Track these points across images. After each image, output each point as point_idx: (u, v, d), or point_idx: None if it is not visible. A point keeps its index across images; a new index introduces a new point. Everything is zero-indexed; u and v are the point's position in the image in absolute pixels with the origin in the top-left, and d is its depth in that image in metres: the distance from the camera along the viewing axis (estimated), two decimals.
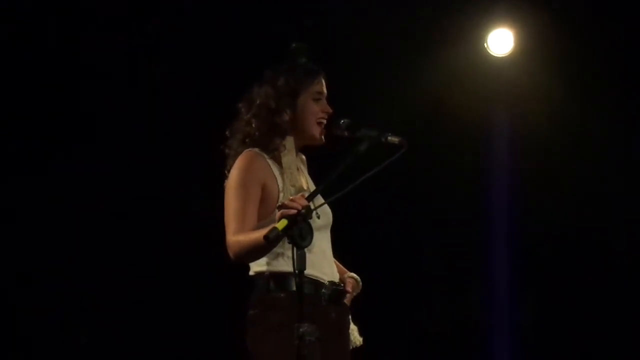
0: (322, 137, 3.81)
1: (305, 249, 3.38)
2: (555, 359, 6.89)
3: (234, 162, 3.75)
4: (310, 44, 3.85)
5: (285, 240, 3.43)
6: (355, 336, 3.86)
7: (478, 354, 7.00)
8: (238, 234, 3.61)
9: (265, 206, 3.68)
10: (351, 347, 3.85)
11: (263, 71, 3.85)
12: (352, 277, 3.86)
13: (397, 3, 6.45)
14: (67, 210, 6.44)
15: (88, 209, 6.44)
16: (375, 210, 6.74)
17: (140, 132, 6.48)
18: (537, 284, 7.00)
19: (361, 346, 3.88)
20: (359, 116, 3.76)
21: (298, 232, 3.35)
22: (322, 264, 3.72)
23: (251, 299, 3.73)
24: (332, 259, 3.81)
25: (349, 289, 3.80)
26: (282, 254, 3.65)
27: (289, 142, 3.78)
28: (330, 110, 3.82)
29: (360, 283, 3.88)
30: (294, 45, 3.84)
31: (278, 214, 3.41)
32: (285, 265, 3.64)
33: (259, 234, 3.46)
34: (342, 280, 3.79)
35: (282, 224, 3.35)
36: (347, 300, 3.80)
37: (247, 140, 3.77)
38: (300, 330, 3.35)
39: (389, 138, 3.62)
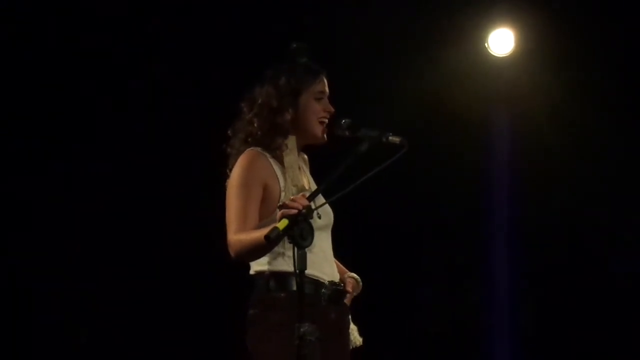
0: (324, 135, 3.81)
1: (306, 249, 3.38)
2: (555, 359, 6.89)
3: (236, 161, 3.75)
4: (310, 44, 3.85)
5: (286, 239, 3.43)
6: (355, 336, 3.86)
7: (478, 354, 7.00)
8: (239, 233, 3.61)
9: (267, 205, 3.68)
10: (351, 347, 3.85)
11: (263, 71, 3.85)
12: (353, 277, 3.86)
13: (397, 3, 6.45)
14: (67, 210, 6.44)
15: (88, 209, 6.44)
16: (375, 210, 6.74)
17: (140, 132, 6.48)
18: (537, 284, 7.00)
19: (361, 346, 3.87)
20: (359, 116, 3.75)
21: (299, 232, 3.35)
22: (323, 263, 3.72)
23: (251, 299, 3.73)
24: (333, 259, 3.81)
25: (349, 289, 3.80)
26: (283, 254, 3.65)
27: (291, 141, 3.78)
28: (332, 110, 3.82)
29: (361, 283, 3.87)
30: (294, 45, 3.84)
31: (279, 213, 3.41)
32: (285, 264, 3.64)
33: (260, 234, 3.46)
34: (342, 280, 3.79)
35: (283, 224, 3.35)
36: (347, 300, 3.80)
37: (249, 139, 3.77)
38: (301, 330, 3.35)
39: (390, 138, 3.62)
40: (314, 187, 3.79)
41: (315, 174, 3.91)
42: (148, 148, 6.47)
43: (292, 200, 3.42)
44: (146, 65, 6.42)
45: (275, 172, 3.73)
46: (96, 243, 6.48)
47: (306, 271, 3.41)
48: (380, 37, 6.45)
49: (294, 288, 3.58)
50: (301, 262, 3.38)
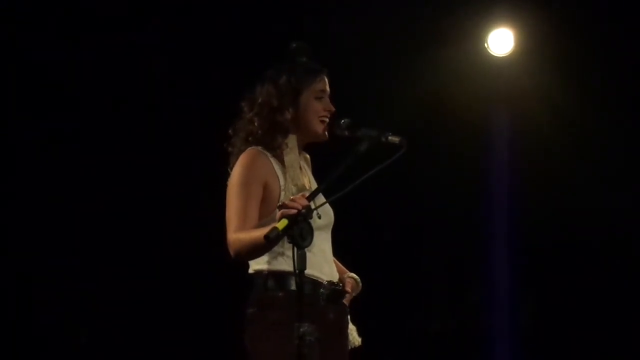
0: (326, 133, 3.81)
1: (306, 249, 3.38)
2: (555, 359, 6.89)
3: (236, 160, 3.76)
4: (310, 44, 3.85)
5: (286, 239, 3.43)
6: (354, 336, 3.86)
7: (478, 354, 7.00)
8: (239, 232, 3.61)
9: (267, 204, 3.68)
10: (350, 348, 3.84)
11: (263, 71, 3.85)
12: (352, 278, 3.86)
13: (397, 3, 6.45)
14: (67, 210, 6.44)
15: (88, 209, 6.44)
16: (375, 210, 6.74)
17: (141, 132, 6.48)
18: (537, 284, 7.00)
19: (361, 346, 3.87)
20: (359, 116, 3.76)
21: (298, 232, 3.35)
22: (322, 263, 3.72)
23: (250, 298, 3.73)
24: (332, 259, 3.81)
25: (348, 289, 3.80)
26: (282, 253, 3.65)
27: (292, 140, 3.78)
28: (333, 109, 3.82)
29: (360, 284, 3.87)
30: (294, 45, 3.84)
31: (278, 213, 3.41)
32: (284, 264, 3.64)
33: (259, 233, 3.47)
34: (341, 280, 3.79)
35: (282, 224, 3.35)
36: (346, 300, 3.80)
37: (249, 138, 3.78)
38: (301, 330, 3.35)
39: (389, 138, 3.62)
40: (314, 186, 3.79)
41: (315, 173, 3.91)
42: (148, 148, 6.47)
43: (292, 200, 3.42)
44: (146, 65, 6.42)
45: (275, 171, 3.73)
46: (96, 243, 6.48)
47: (305, 271, 3.41)
48: (380, 37, 6.44)
49: (293, 287, 3.59)
50: (301, 262, 3.38)
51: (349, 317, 3.83)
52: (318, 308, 3.63)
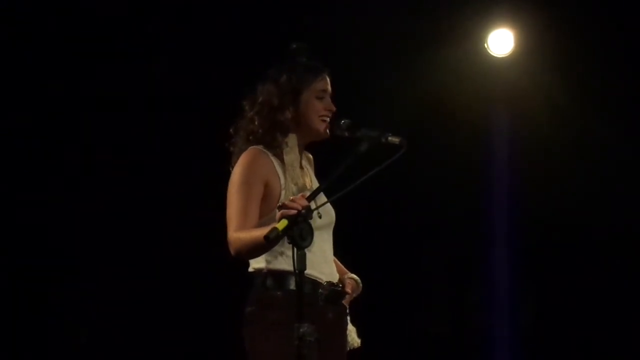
0: (327, 131, 3.80)
1: (306, 249, 3.38)
2: (555, 359, 6.89)
3: (238, 159, 3.76)
4: (310, 44, 3.85)
5: (286, 239, 3.43)
6: (353, 337, 3.86)
7: (478, 354, 7.00)
8: (239, 231, 3.62)
9: (268, 203, 3.68)
10: (349, 348, 3.84)
11: (263, 71, 3.86)
12: (353, 279, 3.86)
13: (397, 3, 6.45)
14: (67, 210, 6.44)
15: (88, 209, 6.44)
16: (375, 210, 6.74)
17: (141, 132, 6.48)
18: (537, 284, 7.00)
19: (361, 346, 3.87)
20: (359, 116, 3.76)
21: (298, 233, 3.35)
22: (321, 263, 3.72)
23: (249, 296, 3.73)
24: (332, 259, 3.81)
25: (348, 289, 3.79)
26: (283, 253, 3.65)
27: (292, 139, 3.78)
28: (334, 108, 3.82)
29: (361, 285, 3.87)
30: (294, 45, 3.84)
31: (278, 214, 3.41)
32: (284, 263, 3.64)
33: (259, 233, 3.47)
34: (341, 280, 3.79)
35: (282, 224, 3.36)
36: (346, 301, 3.80)
37: (250, 137, 3.78)
38: (301, 330, 3.35)
39: (389, 138, 3.63)
40: (316, 186, 3.79)
41: (316, 174, 3.91)
42: (148, 148, 6.47)
43: (292, 200, 3.42)
44: (146, 65, 6.42)
45: (276, 170, 3.74)
46: (96, 243, 6.48)
47: (305, 271, 3.41)
48: (380, 37, 6.44)
49: (292, 287, 3.59)
50: (300, 262, 3.38)
51: (348, 317, 3.83)
52: (317, 308, 3.63)
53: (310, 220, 3.39)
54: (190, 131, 6.39)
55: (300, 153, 3.83)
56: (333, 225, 3.81)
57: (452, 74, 6.62)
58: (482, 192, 6.96)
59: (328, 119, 3.81)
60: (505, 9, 6.63)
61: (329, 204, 3.71)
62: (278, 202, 3.63)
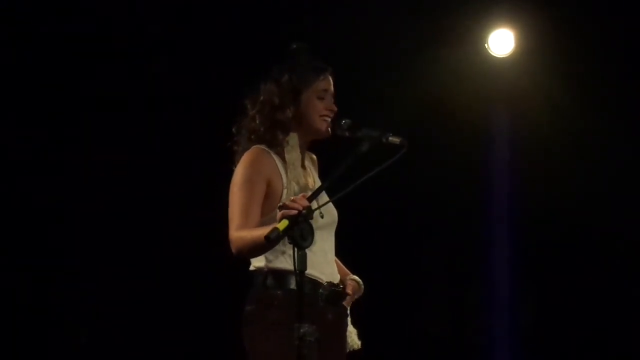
0: (328, 129, 3.80)
1: (307, 249, 3.38)
2: (555, 359, 6.89)
3: (241, 158, 3.76)
4: (310, 44, 3.85)
5: (287, 238, 3.42)
6: (353, 339, 3.86)
7: (478, 354, 7.00)
8: (241, 230, 3.62)
9: (270, 202, 3.68)
10: (349, 350, 3.84)
11: (263, 71, 3.86)
12: (354, 280, 3.86)
13: (397, 3, 6.45)
14: (67, 210, 6.44)
15: (88, 209, 6.44)
16: (375, 210, 6.74)
17: (141, 132, 6.48)
18: (537, 284, 7.00)
19: (361, 346, 3.87)
20: (359, 116, 3.76)
21: (299, 233, 3.35)
22: (322, 264, 3.72)
23: (249, 295, 3.74)
24: (333, 260, 3.81)
25: (348, 291, 3.79)
26: (284, 252, 3.65)
27: (293, 138, 3.79)
28: (335, 108, 3.82)
29: (362, 287, 3.87)
30: (294, 45, 3.85)
31: (279, 214, 3.41)
32: (285, 262, 3.65)
33: (260, 232, 3.47)
34: (342, 281, 3.79)
35: (283, 225, 3.36)
36: (347, 302, 3.80)
37: (252, 137, 3.79)
38: (301, 330, 3.35)
39: (390, 138, 3.63)
40: (318, 186, 3.79)
41: (319, 174, 3.91)
42: (148, 148, 6.46)
43: (292, 201, 3.42)
44: (146, 65, 6.42)
45: (278, 169, 3.74)
46: (96, 243, 6.48)
47: (305, 271, 3.41)
48: (380, 37, 6.44)
49: (292, 286, 3.60)
50: (301, 262, 3.38)
51: (349, 319, 3.83)
52: (317, 308, 3.63)
53: (311, 220, 3.39)
54: (190, 131, 6.39)
55: (303, 152, 3.84)
56: (335, 225, 3.81)
57: (452, 74, 6.62)
58: (482, 192, 6.96)
59: (329, 119, 3.81)
60: (505, 9, 6.63)
61: (331, 204, 3.71)
62: (280, 201, 3.63)
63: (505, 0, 6.64)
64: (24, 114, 6.39)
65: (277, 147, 3.77)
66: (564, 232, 6.81)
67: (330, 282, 3.72)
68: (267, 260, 3.70)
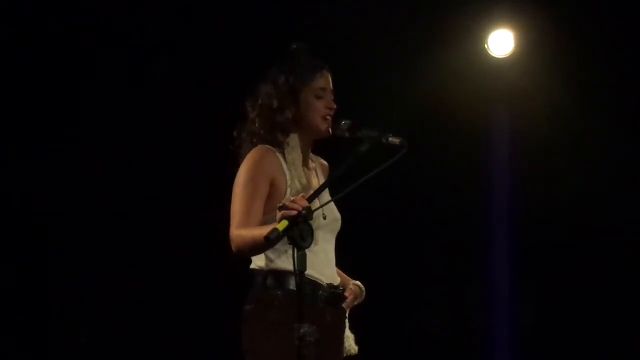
0: (329, 129, 3.80)
1: (308, 249, 3.38)
2: (555, 359, 6.89)
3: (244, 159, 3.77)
4: (310, 44, 3.85)
5: (286, 239, 3.42)
6: (350, 344, 3.85)
7: (478, 354, 7.00)
8: (241, 229, 3.62)
9: (273, 201, 3.67)
10: (345, 354, 3.84)
11: (263, 71, 3.86)
12: (356, 285, 3.86)
13: (397, 3, 6.45)
14: (67, 210, 6.44)
15: (88, 209, 6.44)
16: (375, 211, 6.74)
17: (140, 132, 6.48)
18: (537, 284, 7.00)
19: (361, 346, 3.87)
20: (359, 116, 3.76)
21: (299, 233, 3.35)
22: (323, 265, 3.72)
23: (248, 295, 3.74)
24: (334, 261, 3.81)
25: (347, 294, 3.79)
26: (285, 252, 3.64)
27: (293, 139, 3.79)
28: (335, 106, 3.81)
29: (364, 292, 3.87)
30: (294, 45, 3.85)
31: (279, 214, 3.41)
32: (286, 262, 3.64)
33: (260, 232, 3.47)
34: (343, 284, 3.79)
35: (282, 225, 3.36)
36: (346, 305, 3.79)
37: (254, 140, 3.79)
38: (301, 331, 3.35)
39: (390, 139, 3.63)
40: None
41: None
42: (148, 148, 6.47)
43: (292, 201, 3.42)
44: (146, 65, 6.42)
45: (282, 168, 3.75)
46: (96, 243, 6.48)
47: (305, 272, 3.41)
48: (380, 37, 6.44)
49: (292, 287, 3.60)
50: (301, 263, 3.38)
51: (347, 322, 3.82)
52: (316, 309, 3.63)
53: (311, 221, 3.39)
54: (190, 131, 6.39)
55: (305, 153, 3.83)
56: (338, 226, 3.81)
57: (452, 74, 6.62)
58: (482, 192, 6.96)
59: (329, 117, 3.80)
60: (505, 9, 6.63)
61: (334, 205, 3.72)
62: (283, 199, 3.63)
63: (505, 0, 6.64)
64: (24, 114, 6.39)
65: (280, 148, 3.77)
66: (564, 232, 6.81)
67: (330, 284, 3.72)
68: (268, 259, 3.70)
